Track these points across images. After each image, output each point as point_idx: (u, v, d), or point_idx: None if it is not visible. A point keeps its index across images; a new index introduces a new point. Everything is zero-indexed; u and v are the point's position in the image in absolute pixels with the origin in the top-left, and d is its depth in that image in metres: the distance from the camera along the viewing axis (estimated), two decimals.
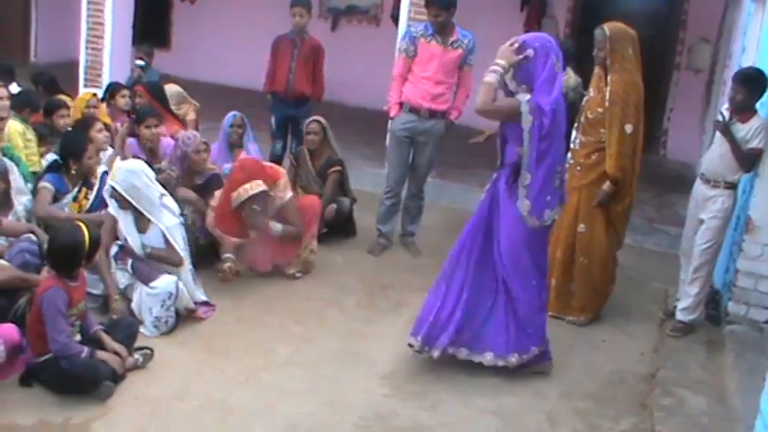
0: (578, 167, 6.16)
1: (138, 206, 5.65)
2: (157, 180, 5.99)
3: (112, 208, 5.75)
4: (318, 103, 8.46)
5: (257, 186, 6.25)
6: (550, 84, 4.96)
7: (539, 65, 4.96)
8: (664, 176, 10.58)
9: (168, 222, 5.77)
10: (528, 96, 4.95)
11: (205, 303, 5.89)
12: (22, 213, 5.92)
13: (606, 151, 5.98)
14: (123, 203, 5.68)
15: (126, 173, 5.65)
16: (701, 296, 6.12)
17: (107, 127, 7.44)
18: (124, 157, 6.67)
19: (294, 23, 8.11)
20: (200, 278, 6.12)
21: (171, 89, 8.44)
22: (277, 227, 6.46)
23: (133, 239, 5.68)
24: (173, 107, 8.19)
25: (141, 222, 5.73)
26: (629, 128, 5.93)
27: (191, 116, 8.42)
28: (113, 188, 5.66)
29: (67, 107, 7.41)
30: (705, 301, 6.23)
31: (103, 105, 8.22)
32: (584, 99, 6.26)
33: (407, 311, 6.24)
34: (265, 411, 4.73)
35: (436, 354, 5.25)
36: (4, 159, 5.91)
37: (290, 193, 6.65)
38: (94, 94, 8.17)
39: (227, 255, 6.37)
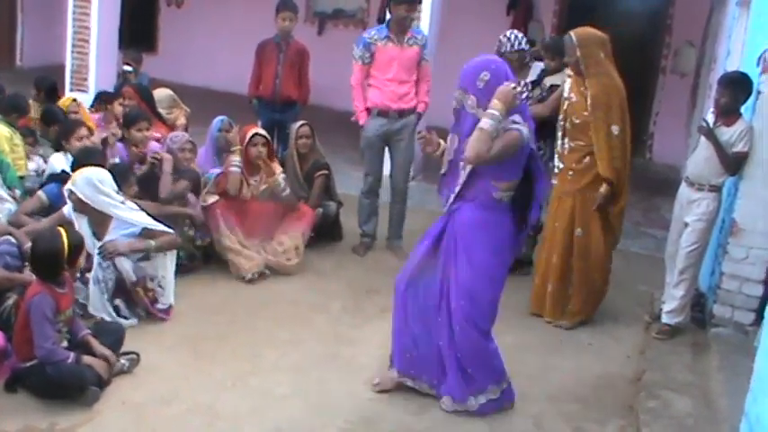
0: (570, 172, 6.18)
1: (97, 207, 5.59)
2: (143, 170, 6.52)
3: (67, 209, 5.70)
4: (305, 106, 8.47)
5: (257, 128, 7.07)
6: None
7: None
8: (650, 179, 10.63)
9: (139, 218, 5.74)
10: (524, 126, 4.60)
11: (164, 311, 5.82)
12: (3, 221, 5.88)
13: (597, 156, 6.01)
14: (80, 207, 5.64)
15: (84, 179, 5.60)
16: (686, 299, 6.14)
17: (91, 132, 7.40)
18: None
19: (282, 27, 8.12)
20: (195, 281, 6.28)
21: (162, 93, 8.41)
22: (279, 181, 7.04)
23: (86, 241, 5.61)
24: (163, 111, 8.16)
25: (100, 228, 5.67)
26: (615, 129, 5.97)
27: (181, 121, 8.38)
28: (71, 191, 5.63)
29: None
30: (691, 303, 6.26)
31: (86, 110, 8.14)
32: (566, 104, 6.26)
33: None
34: (252, 416, 4.72)
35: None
36: None
37: (280, 169, 7.18)
38: (74, 99, 8.11)
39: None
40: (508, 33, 7.05)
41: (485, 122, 4.47)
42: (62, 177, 6.24)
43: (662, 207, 9.24)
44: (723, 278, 6.11)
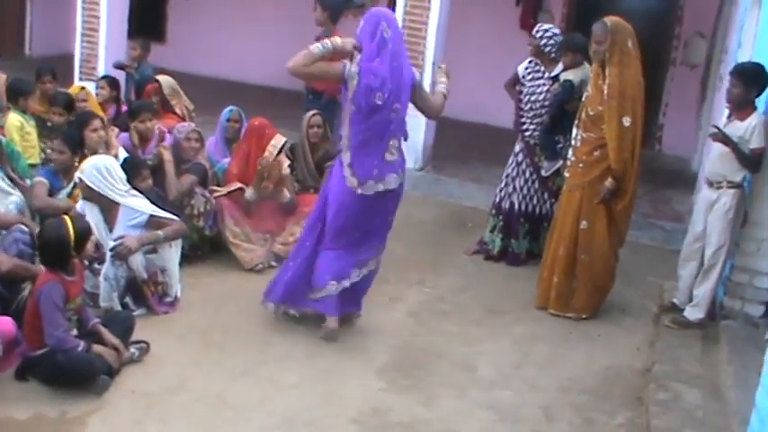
0: (580, 164, 6.15)
1: (104, 193, 5.60)
2: (149, 160, 6.52)
3: (80, 204, 5.72)
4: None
5: (281, 139, 6.86)
6: (376, 54, 5.16)
7: (364, 34, 5.21)
8: (659, 171, 10.56)
9: (145, 206, 5.74)
10: (354, 66, 5.16)
11: (170, 303, 5.83)
12: (14, 212, 5.88)
13: (609, 147, 5.96)
14: (88, 195, 5.64)
15: (92, 166, 5.62)
16: (708, 297, 6.03)
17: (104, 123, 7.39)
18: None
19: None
20: (205, 270, 6.32)
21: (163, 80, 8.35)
22: (285, 193, 6.95)
23: (99, 230, 5.60)
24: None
25: (109, 217, 5.68)
26: (626, 120, 5.91)
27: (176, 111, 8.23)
28: (80, 179, 5.65)
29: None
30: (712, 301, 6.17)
31: (95, 99, 8.11)
32: (584, 95, 6.26)
33: (403, 305, 6.27)
34: (262, 405, 4.74)
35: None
36: None
37: (287, 161, 7.09)
38: (83, 88, 8.10)
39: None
40: (538, 27, 7.21)
41: (314, 47, 5.14)
42: (50, 160, 6.28)
43: (672, 199, 9.19)
44: (734, 270, 6.09)
